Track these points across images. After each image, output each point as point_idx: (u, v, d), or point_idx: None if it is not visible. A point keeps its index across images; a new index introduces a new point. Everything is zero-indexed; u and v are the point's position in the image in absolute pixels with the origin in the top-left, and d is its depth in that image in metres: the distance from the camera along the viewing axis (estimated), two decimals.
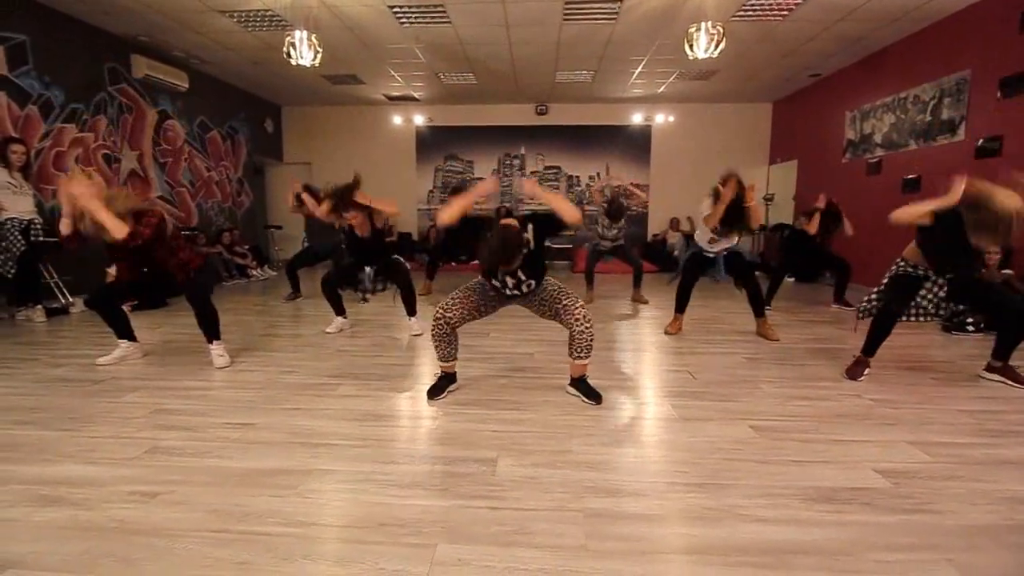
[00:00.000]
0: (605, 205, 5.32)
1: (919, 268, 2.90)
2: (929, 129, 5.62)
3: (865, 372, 2.93)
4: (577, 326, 2.44)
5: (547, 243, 2.48)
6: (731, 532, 1.49)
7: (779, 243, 6.38)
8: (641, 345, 3.77)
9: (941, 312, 2.94)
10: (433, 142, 9.78)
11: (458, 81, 7.97)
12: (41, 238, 4.48)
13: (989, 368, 2.92)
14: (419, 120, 9.60)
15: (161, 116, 6.90)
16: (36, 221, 4.49)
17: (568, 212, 2.34)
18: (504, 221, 2.35)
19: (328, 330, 4.04)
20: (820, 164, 7.78)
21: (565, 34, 6.00)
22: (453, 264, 8.05)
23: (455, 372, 2.69)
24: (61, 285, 4.87)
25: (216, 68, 7.43)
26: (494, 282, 2.45)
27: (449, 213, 2.37)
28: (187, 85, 6.99)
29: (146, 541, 1.44)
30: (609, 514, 1.58)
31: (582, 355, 2.49)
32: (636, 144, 9.60)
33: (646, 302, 5.46)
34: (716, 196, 3.79)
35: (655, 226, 9.66)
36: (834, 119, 7.38)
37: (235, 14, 5.41)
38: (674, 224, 9.23)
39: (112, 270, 3.62)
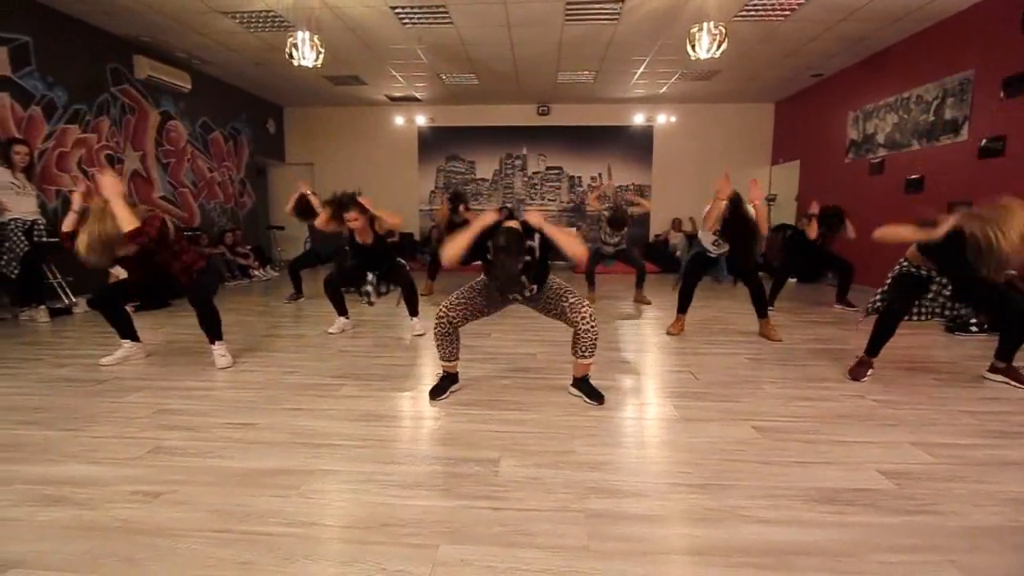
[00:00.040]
0: (608, 213, 5.31)
1: (922, 269, 2.89)
2: (932, 129, 5.61)
3: (868, 373, 2.92)
4: (583, 324, 2.44)
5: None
6: (733, 533, 1.49)
7: (782, 244, 6.36)
8: (643, 345, 3.77)
9: (947, 313, 2.93)
10: (435, 142, 9.79)
11: (460, 81, 7.98)
12: (44, 238, 4.49)
13: (992, 369, 2.91)
14: (421, 120, 9.61)
15: (164, 117, 6.91)
16: (39, 222, 4.51)
17: (571, 248, 2.35)
18: (508, 223, 2.35)
19: (330, 330, 4.05)
20: (822, 164, 7.77)
21: (567, 34, 6.00)
22: None
23: (457, 372, 2.69)
24: (64, 285, 4.89)
25: (218, 69, 7.44)
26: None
27: (452, 252, 2.34)
28: (189, 86, 7.01)
29: (149, 541, 1.44)
30: (611, 515, 1.58)
31: (586, 354, 2.49)
32: (638, 145, 9.59)
33: (649, 303, 5.45)
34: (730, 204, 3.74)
35: (657, 227, 9.66)
36: (836, 119, 7.36)
37: (237, 15, 5.43)
38: (676, 225, 9.22)
39: (115, 270, 3.63)
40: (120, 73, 6.15)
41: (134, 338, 3.27)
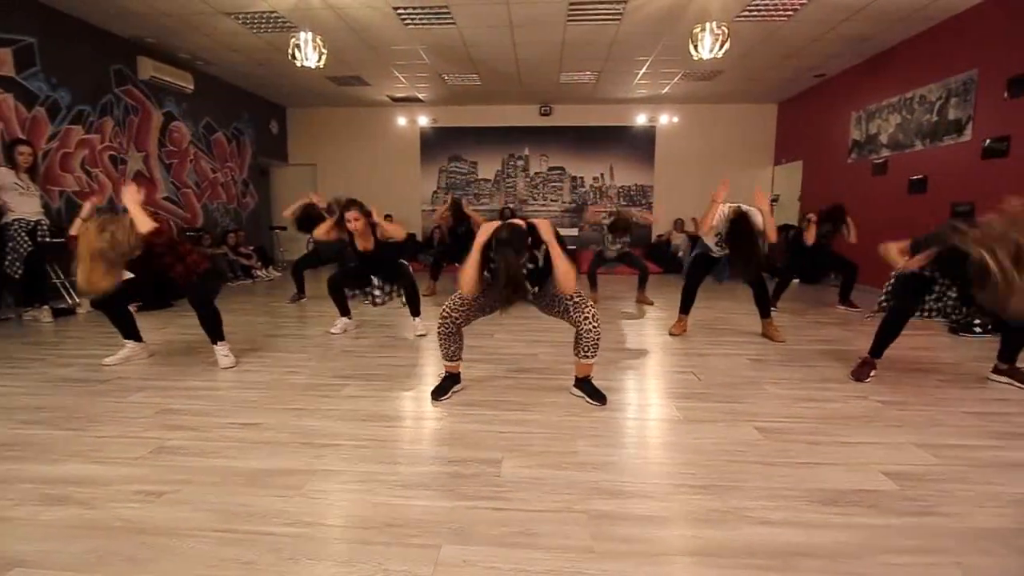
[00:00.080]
0: (609, 222, 5.32)
1: (925, 270, 2.88)
2: (935, 130, 5.59)
3: (871, 374, 2.91)
4: (585, 324, 2.44)
5: None
6: (737, 534, 1.48)
7: (785, 245, 6.35)
8: (646, 346, 3.76)
9: (953, 316, 2.91)
10: (437, 143, 9.79)
11: (462, 82, 7.98)
12: (48, 239, 4.51)
13: (996, 370, 2.90)
14: (423, 121, 9.62)
15: (167, 117, 6.93)
16: (43, 222, 4.52)
17: (564, 278, 2.33)
18: (512, 221, 2.36)
19: (333, 331, 4.05)
20: (825, 165, 7.76)
21: (569, 35, 5.99)
22: (457, 265, 8.06)
23: (459, 373, 2.69)
24: (68, 286, 4.91)
25: (221, 70, 7.46)
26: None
27: (469, 281, 2.36)
28: (192, 87, 7.02)
29: (151, 540, 1.44)
30: (614, 516, 1.58)
31: (588, 354, 2.49)
32: (640, 145, 9.58)
33: (651, 303, 5.44)
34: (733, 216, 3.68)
35: (659, 227, 9.63)
36: (839, 120, 7.35)
37: (240, 16, 5.44)
38: (678, 225, 9.21)
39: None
40: (124, 74, 6.17)
41: (137, 338, 3.27)
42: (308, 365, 3.21)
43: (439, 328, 2.55)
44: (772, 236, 3.70)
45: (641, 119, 9.41)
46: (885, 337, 2.89)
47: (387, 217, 9.28)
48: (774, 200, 8.94)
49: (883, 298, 3.04)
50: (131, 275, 3.12)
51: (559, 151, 9.68)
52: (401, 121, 9.62)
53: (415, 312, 4.03)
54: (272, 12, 5.31)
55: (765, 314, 3.94)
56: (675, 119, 9.36)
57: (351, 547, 1.43)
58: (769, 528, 1.51)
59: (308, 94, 8.77)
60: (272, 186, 9.90)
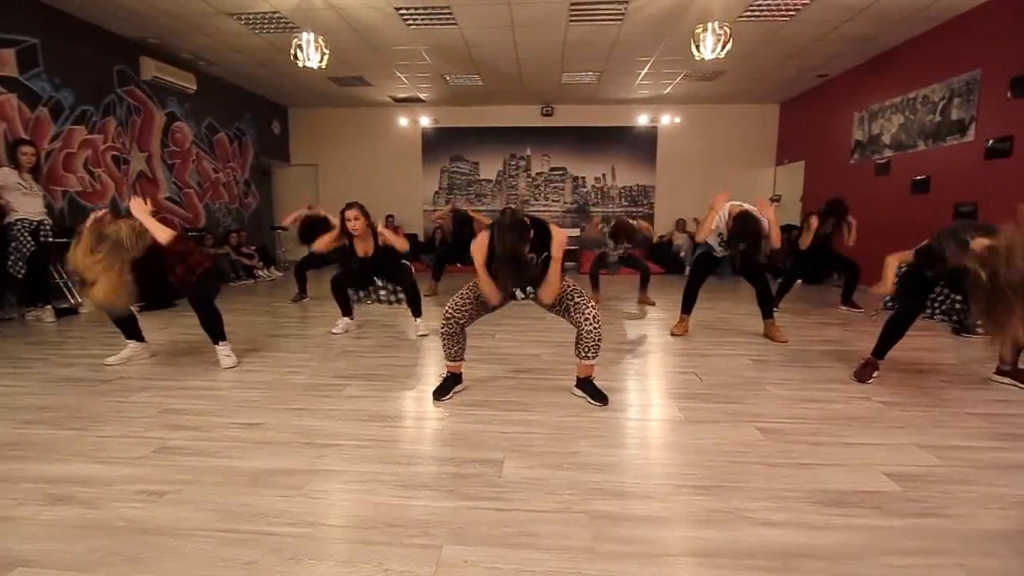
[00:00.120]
0: (609, 229, 5.33)
1: (927, 270, 2.87)
2: (938, 130, 5.58)
3: (874, 374, 2.89)
4: (586, 325, 2.44)
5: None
6: (738, 535, 1.48)
7: (787, 246, 6.33)
8: (647, 347, 3.75)
9: (958, 316, 2.89)
10: (439, 143, 9.80)
11: (464, 83, 7.99)
12: (51, 239, 4.52)
13: (999, 371, 2.89)
14: (425, 121, 9.63)
15: (169, 118, 6.95)
16: (46, 222, 4.53)
17: (549, 287, 2.41)
18: (514, 208, 2.37)
19: (334, 331, 4.05)
20: (827, 165, 7.75)
21: (571, 35, 5.99)
22: (459, 265, 8.07)
23: (461, 373, 2.69)
24: (70, 286, 4.92)
25: (224, 70, 7.48)
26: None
27: (491, 291, 2.41)
28: (195, 87, 7.04)
29: (153, 540, 1.44)
30: (616, 516, 1.57)
31: (589, 355, 2.48)
32: (642, 145, 9.58)
33: (653, 304, 5.44)
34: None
35: (661, 227, 9.63)
36: (842, 120, 7.34)
37: (243, 17, 5.45)
38: (680, 225, 9.20)
39: None
40: (126, 74, 6.19)
41: (139, 338, 3.28)
42: (310, 365, 3.22)
43: (442, 328, 2.55)
44: (776, 241, 3.69)
45: (643, 119, 9.41)
46: (889, 338, 2.88)
47: (389, 217, 9.33)
48: (776, 201, 8.92)
49: (887, 298, 3.02)
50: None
51: (561, 151, 9.68)
52: (403, 121, 9.63)
53: (416, 313, 4.03)
54: (274, 13, 5.32)
55: (767, 314, 3.94)
56: (677, 119, 9.35)
57: (352, 547, 1.43)
58: (771, 529, 1.51)
59: (310, 94, 8.79)
60: (274, 186, 9.91)
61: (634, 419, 2.39)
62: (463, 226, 6.20)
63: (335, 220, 4.17)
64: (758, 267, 3.94)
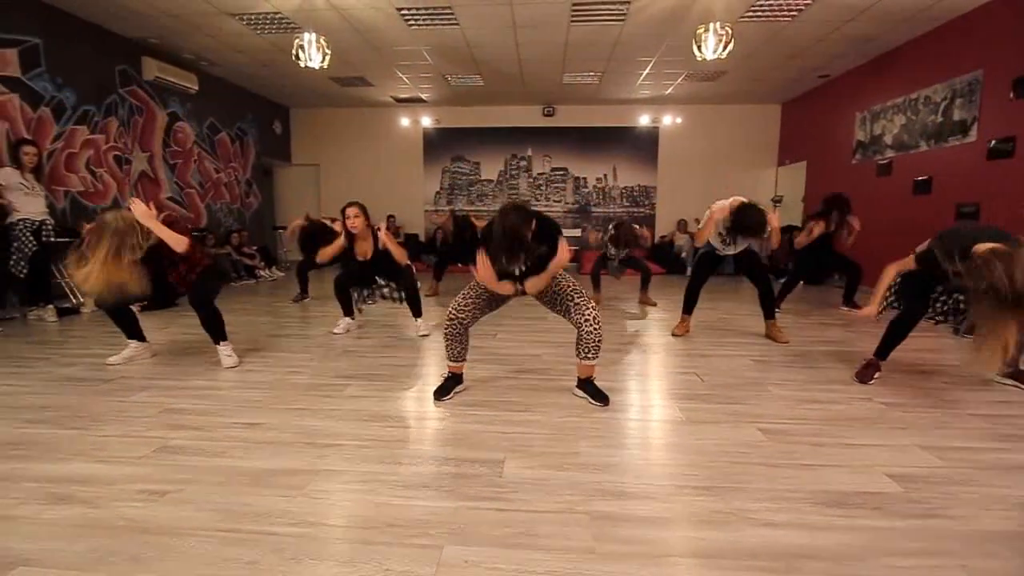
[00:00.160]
0: (611, 234, 5.33)
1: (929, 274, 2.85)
2: (940, 130, 5.57)
3: (875, 375, 2.89)
4: (586, 326, 2.44)
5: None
6: (740, 536, 1.48)
7: (789, 247, 6.32)
8: (648, 347, 3.75)
9: (962, 316, 2.87)
10: (440, 143, 9.81)
11: (465, 83, 8.00)
12: (52, 239, 4.53)
13: (1001, 372, 2.88)
14: (426, 122, 9.64)
15: (171, 118, 6.96)
16: (48, 222, 4.54)
17: (534, 284, 2.45)
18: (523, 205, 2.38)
19: (335, 331, 4.05)
20: (829, 166, 7.73)
21: (573, 35, 5.99)
22: (460, 265, 8.09)
23: (462, 373, 2.69)
24: (72, 285, 4.92)
25: (225, 70, 7.49)
26: (504, 267, 2.44)
27: (503, 288, 2.46)
28: (197, 87, 7.05)
29: (154, 540, 1.45)
30: (617, 517, 1.57)
31: (589, 356, 2.48)
32: (643, 146, 9.58)
33: (654, 304, 5.43)
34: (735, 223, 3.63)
35: (662, 228, 9.63)
36: (844, 120, 7.33)
37: (244, 17, 5.46)
38: (681, 226, 9.20)
39: None
40: (128, 74, 6.20)
41: (140, 338, 3.28)
42: (311, 365, 3.22)
43: (446, 329, 2.56)
44: (776, 241, 3.70)
45: (644, 120, 9.41)
46: (892, 339, 2.87)
47: (390, 218, 9.35)
48: (777, 201, 8.91)
49: (891, 298, 3.01)
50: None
51: (562, 152, 9.68)
52: (404, 122, 9.64)
53: (416, 313, 4.03)
54: (276, 13, 5.33)
55: (769, 315, 3.93)
56: (678, 120, 9.35)
57: (353, 547, 1.43)
58: (772, 530, 1.50)
59: (312, 95, 8.80)
60: (275, 186, 9.93)
61: (635, 419, 2.39)
62: (464, 228, 6.22)
63: (337, 225, 4.15)
64: (760, 267, 3.93)
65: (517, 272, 2.47)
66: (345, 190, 9.14)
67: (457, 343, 2.57)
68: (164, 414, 2.39)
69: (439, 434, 2.23)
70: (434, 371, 3.10)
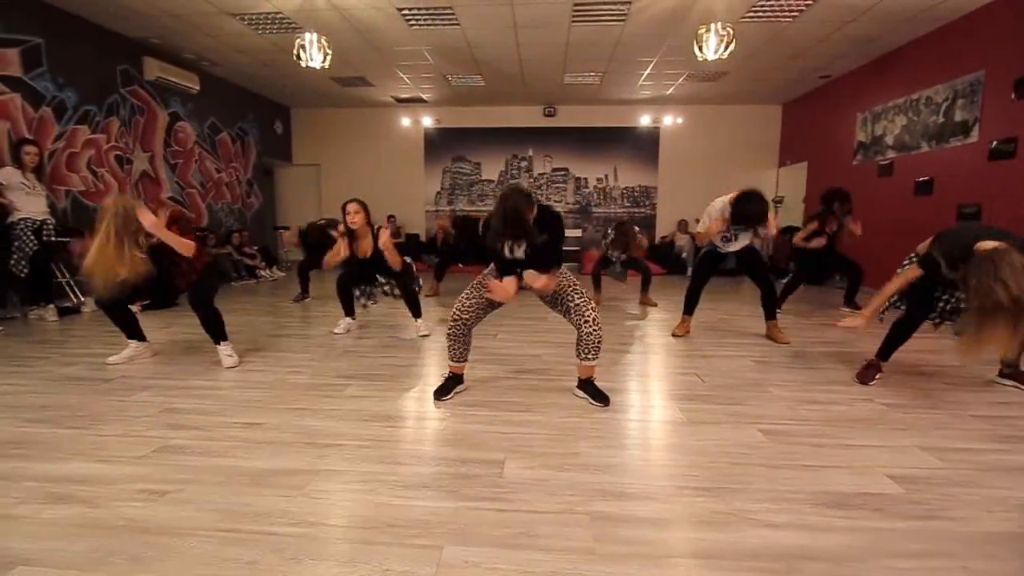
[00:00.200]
0: (611, 237, 5.34)
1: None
2: (942, 131, 5.57)
3: (876, 376, 2.88)
4: (585, 327, 2.43)
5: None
6: (740, 537, 1.47)
7: (789, 248, 6.30)
8: (649, 347, 3.75)
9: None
10: (441, 143, 9.81)
11: (466, 83, 8.00)
12: (53, 238, 4.53)
13: (1002, 373, 2.88)
14: (427, 122, 9.64)
15: (172, 118, 6.96)
16: (49, 221, 4.54)
17: (531, 277, 2.43)
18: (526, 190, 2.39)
19: (336, 331, 4.05)
20: (830, 166, 7.73)
21: (574, 36, 5.99)
22: (460, 266, 8.10)
23: (463, 373, 2.69)
24: (73, 285, 4.93)
25: (226, 70, 7.49)
26: (503, 249, 2.44)
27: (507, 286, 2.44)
28: (198, 87, 7.06)
29: (154, 539, 1.44)
30: (617, 517, 1.57)
31: (589, 356, 2.48)
32: (644, 146, 9.57)
33: (655, 305, 5.43)
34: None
35: (663, 228, 9.63)
36: (845, 121, 7.32)
37: (245, 17, 5.46)
38: (682, 226, 9.19)
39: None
40: (130, 74, 6.20)
41: (141, 338, 3.28)
42: (311, 365, 3.22)
43: (449, 329, 2.56)
44: (772, 227, 3.68)
45: (645, 120, 9.40)
46: (895, 341, 2.86)
47: (391, 218, 9.36)
48: (778, 202, 8.91)
49: (895, 298, 3.00)
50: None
51: (563, 152, 9.68)
52: (405, 122, 9.64)
53: (416, 314, 4.03)
54: (277, 13, 5.33)
55: (770, 315, 3.92)
56: (679, 120, 9.34)
57: (353, 547, 1.43)
58: (773, 531, 1.50)
59: (312, 95, 8.80)
60: (276, 186, 9.93)
61: (635, 420, 2.39)
62: (465, 228, 6.23)
63: (336, 233, 4.13)
64: (763, 267, 3.93)
65: (518, 255, 2.45)
66: (346, 190, 9.10)
67: (460, 343, 2.57)
68: (164, 414, 2.39)
69: (439, 434, 2.23)
70: (434, 371, 3.10)
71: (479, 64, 7.06)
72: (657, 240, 9.55)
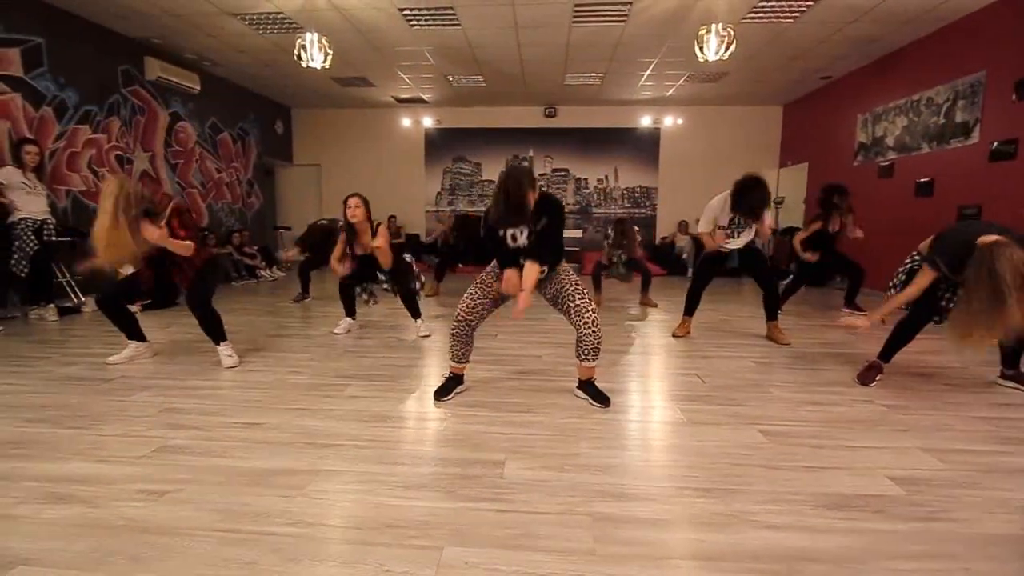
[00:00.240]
0: (611, 236, 5.34)
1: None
2: (943, 132, 5.56)
3: (877, 377, 2.88)
4: (585, 328, 2.43)
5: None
6: (741, 538, 1.47)
7: (789, 250, 6.29)
8: (649, 348, 3.75)
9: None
10: (442, 144, 9.81)
11: (467, 83, 8.00)
12: (54, 238, 4.53)
13: (1003, 375, 2.87)
14: (428, 122, 9.64)
15: (173, 117, 6.97)
16: (49, 221, 4.54)
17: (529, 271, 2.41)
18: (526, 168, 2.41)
19: (336, 331, 4.05)
20: (831, 167, 7.72)
21: (574, 36, 5.99)
22: (462, 266, 8.11)
23: (463, 374, 2.69)
24: (73, 284, 4.93)
25: (227, 70, 7.49)
26: (505, 237, 2.44)
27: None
28: (199, 87, 7.06)
29: (154, 539, 1.44)
30: (617, 518, 1.57)
31: (589, 357, 2.48)
32: (645, 147, 9.57)
33: (655, 306, 5.43)
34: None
35: (663, 229, 9.63)
36: (845, 122, 7.32)
37: (246, 17, 5.46)
38: (682, 227, 9.19)
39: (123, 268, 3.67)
40: (131, 74, 6.20)
41: (140, 338, 3.28)
42: (311, 365, 3.22)
43: (453, 330, 2.55)
44: (767, 229, 3.82)
45: (646, 121, 9.40)
46: (897, 342, 2.86)
47: (391, 218, 9.36)
48: (779, 203, 8.90)
49: (894, 282, 2.99)
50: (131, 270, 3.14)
51: (564, 153, 9.68)
52: (406, 122, 9.64)
53: (415, 315, 4.02)
54: (278, 13, 5.33)
55: (771, 316, 3.91)
56: (680, 121, 9.34)
57: (353, 548, 1.42)
58: (773, 532, 1.50)
59: (313, 95, 8.80)
60: (277, 186, 9.93)
61: (636, 421, 2.39)
62: (465, 228, 6.24)
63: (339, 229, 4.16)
64: (765, 268, 3.93)
65: (520, 243, 2.44)
66: (346, 190, 9.00)
67: (462, 344, 2.57)
68: (164, 414, 2.39)
69: (439, 435, 2.22)
70: (434, 371, 3.09)
71: (480, 64, 7.06)
72: (657, 241, 9.55)
